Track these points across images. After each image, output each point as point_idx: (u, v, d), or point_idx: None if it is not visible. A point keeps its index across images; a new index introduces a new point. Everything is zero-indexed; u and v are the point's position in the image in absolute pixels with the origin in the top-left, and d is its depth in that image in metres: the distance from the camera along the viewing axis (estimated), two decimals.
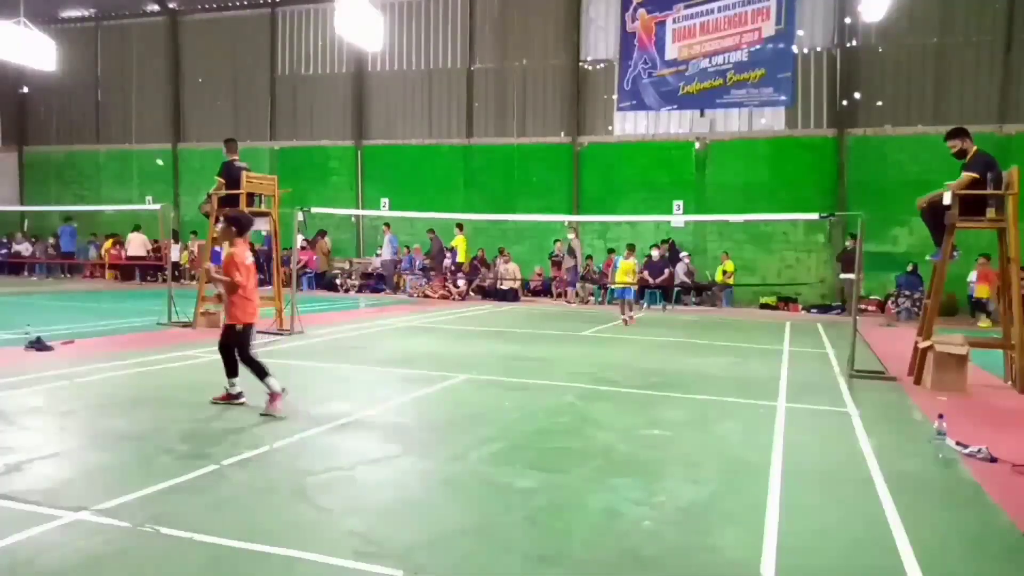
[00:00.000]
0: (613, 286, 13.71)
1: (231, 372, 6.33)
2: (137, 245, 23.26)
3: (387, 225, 21.71)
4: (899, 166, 18.55)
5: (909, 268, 17.63)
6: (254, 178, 11.70)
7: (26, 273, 25.06)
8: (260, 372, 6.12)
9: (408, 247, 21.77)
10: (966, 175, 8.13)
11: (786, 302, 19.16)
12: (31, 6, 18.92)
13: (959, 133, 8.47)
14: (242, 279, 6.25)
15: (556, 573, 3.35)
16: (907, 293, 17.15)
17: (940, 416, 5.64)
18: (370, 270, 22.25)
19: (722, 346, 11.61)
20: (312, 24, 24.22)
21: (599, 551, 3.59)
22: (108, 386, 7.24)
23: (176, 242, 22.77)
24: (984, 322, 15.77)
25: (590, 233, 21.42)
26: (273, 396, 6.03)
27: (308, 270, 21.62)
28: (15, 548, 3.40)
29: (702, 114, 20.56)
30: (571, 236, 19.53)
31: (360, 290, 21.31)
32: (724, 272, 19.39)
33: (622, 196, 20.62)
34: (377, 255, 21.99)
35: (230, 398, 6.34)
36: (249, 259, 6.43)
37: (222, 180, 11.56)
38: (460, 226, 20.54)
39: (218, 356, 6.41)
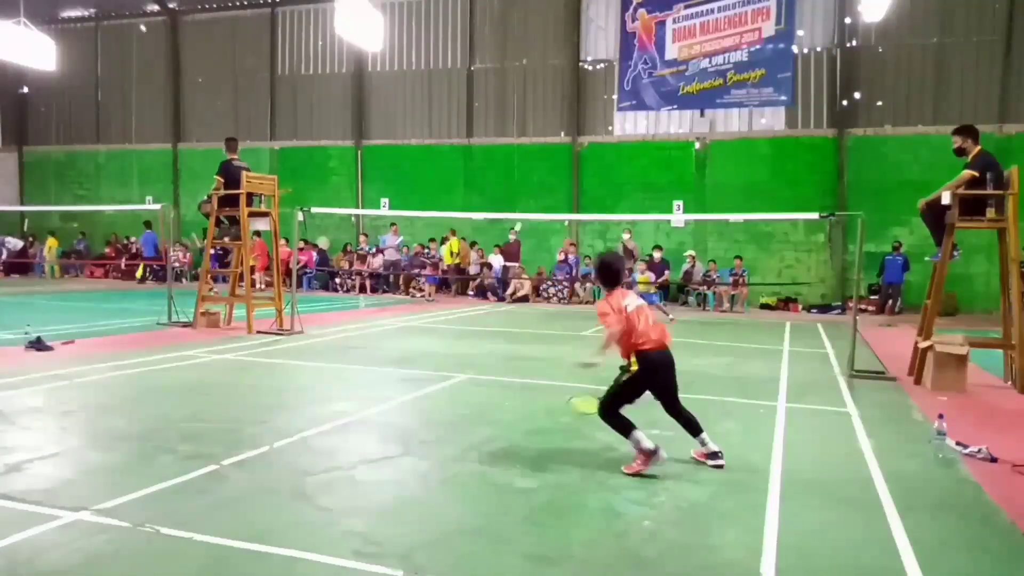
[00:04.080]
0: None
1: None
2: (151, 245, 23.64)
3: (394, 225, 21.84)
4: (899, 166, 18.54)
5: (894, 245, 17.83)
6: (254, 178, 11.70)
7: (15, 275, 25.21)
8: None
9: (424, 246, 21.73)
10: (965, 172, 8.14)
11: (786, 302, 19.16)
12: (31, 6, 18.90)
13: (963, 131, 8.45)
14: None
15: (556, 573, 3.35)
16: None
17: (940, 416, 5.64)
18: (369, 270, 22.27)
19: (722, 346, 11.61)
20: (312, 24, 24.21)
21: (599, 551, 3.59)
22: (108, 386, 7.24)
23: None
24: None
25: (590, 233, 21.42)
26: None
27: (308, 270, 21.63)
28: (15, 548, 3.40)
29: (702, 114, 20.55)
30: (626, 236, 19.37)
31: (361, 290, 21.33)
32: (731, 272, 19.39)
33: (622, 196, 20.62)
34: (371, 253, 21.96)
35: None
36: None
37: (221, 179, 11.58)
38: (453, 231, 21.04)
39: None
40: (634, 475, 4.71)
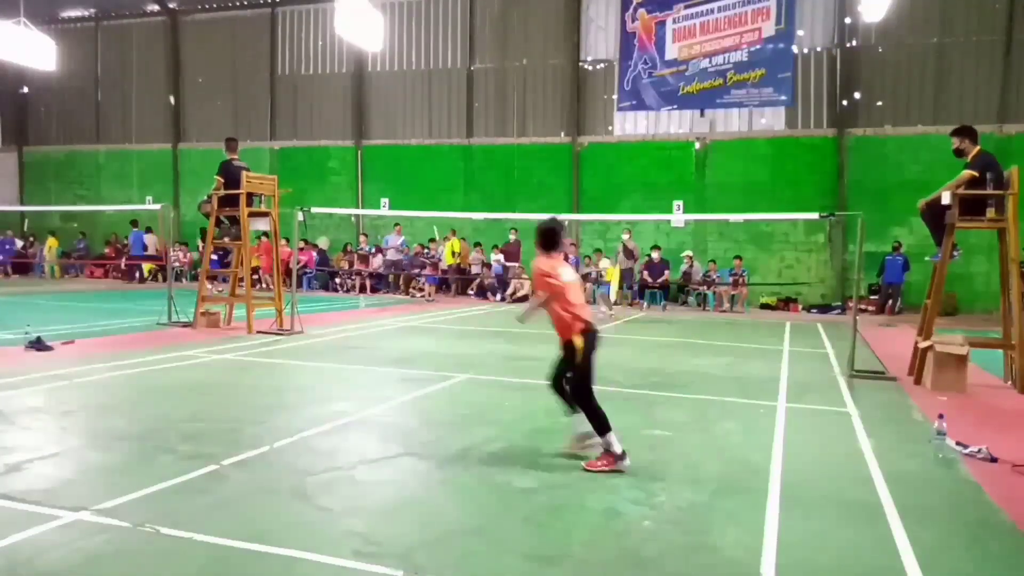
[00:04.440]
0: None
1: None
2: (149, 246, 23.71)
3: (398, 225, 21.87)
4: (899, 166, 18.55)
5: (894, 245, 17.82)
6: (254, 178, 11.70)
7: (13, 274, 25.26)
8: None
9: (424, 246, 21.73)
10: (965, 172, 8.15)
11: (786, 302, 19.16)
12: (31, 6, 18.89)
13: (962, 132, 8.46)
14: None
15: (556, 573, 3.35)
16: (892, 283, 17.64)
17: (940, 416, 5.64)
18: (370, 270, 22.30)
19: (722, 346, 11.61)
20: (312, 24, 24.21)
21: (599, 551, 3.59)
22: (108, 386, 7.24)
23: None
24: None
25: (590, 233, 21.42)
26: None
27: (308, 270, 21.65)
28: (15, 548, 3.40)
29: (702, 114, 20.55)
30: (625, 236, 19.38)
31: (361, 290, 21.34)
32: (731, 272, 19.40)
33: (622, 196, 20.62)
34: (371, 253, 21.99)
35: None
36: None
37: (221, 179, 11.59)
38: (453, 231, 21.03)
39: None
40: (595, 471, 4.73)
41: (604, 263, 18.30)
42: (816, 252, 19.60)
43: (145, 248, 23.65)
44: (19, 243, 26.10)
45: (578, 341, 4.90)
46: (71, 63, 24.93)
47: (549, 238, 5.19)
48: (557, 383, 5.16)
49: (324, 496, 4.20)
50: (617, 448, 4.81)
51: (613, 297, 17.21)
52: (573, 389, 5.00)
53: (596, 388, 4.95)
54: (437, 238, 21.33)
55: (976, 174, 8.06)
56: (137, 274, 23.36)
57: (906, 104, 19.00)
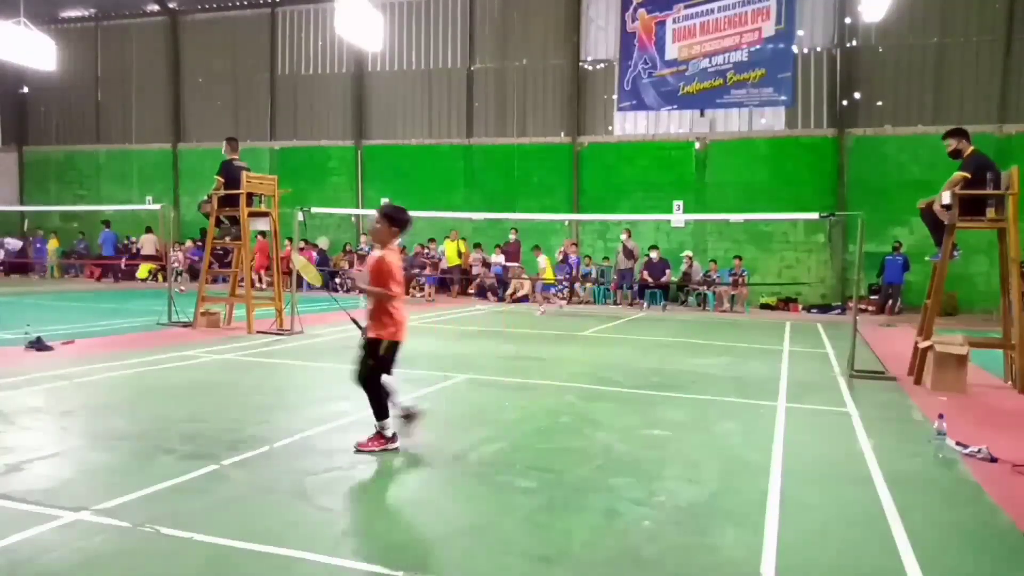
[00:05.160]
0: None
1: None
2: (149, 245, 23.79)
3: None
4: (899, 166, 18.55)
5: (894, 245, 17.81)
6: (254, 178, 11.71)
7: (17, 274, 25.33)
8: None
9: (424, 246, 21.69)
10: (957, 174, 8.18)
11: (786, 302, 19.16)
12: (31, 6, 18.91)
13: (955, 133, 8.52)
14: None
15: (556, 573, 3.35)
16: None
17: (940, 416, 5.64)
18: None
19: (722, 346, 11.61)
20: (312, 24, 24.22)
21: (599, 551, 3.59)
22: (108, 386, 7.24)
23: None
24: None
25: (591, 233, 21.42)
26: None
27: None
28: (15, 548, 3.40)
29: (702, 114, 20.55)
30: (624, 236, 19.40)
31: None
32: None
33: (622, 196, 20.62)
34: (369, 253, 21.97)
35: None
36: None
37: (221, 179, 11.58)
38: (455, 232, 21.11)
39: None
40: (367, 451, 5.01)
41: (542, 260, 18.40)
42: (816, 252, 19.60)
43: (116, 249, 23.86)
44: (12, 243, 26.11)
45: (387, 343, 5.06)
46: (71, 63, 24.94)
47: (404, 217, 5.20)
48: (364, 380, 5.19)
49: (324, 496, 4.21)
50: (389, 432, 5.10)
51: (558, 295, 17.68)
52: (367, 374, 5.11)
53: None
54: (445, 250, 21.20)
55: (968, 175, 8.09)
56: (144, 273, 23.33)
57: (906, 104, 19.00)
